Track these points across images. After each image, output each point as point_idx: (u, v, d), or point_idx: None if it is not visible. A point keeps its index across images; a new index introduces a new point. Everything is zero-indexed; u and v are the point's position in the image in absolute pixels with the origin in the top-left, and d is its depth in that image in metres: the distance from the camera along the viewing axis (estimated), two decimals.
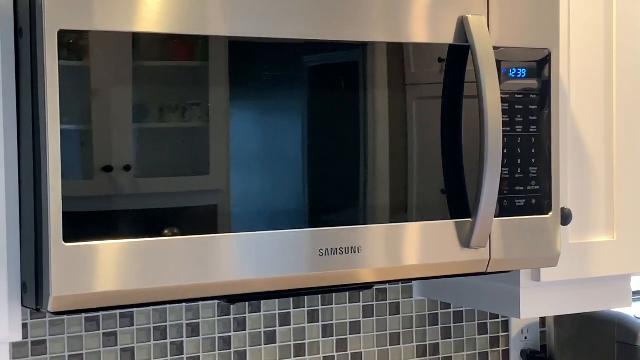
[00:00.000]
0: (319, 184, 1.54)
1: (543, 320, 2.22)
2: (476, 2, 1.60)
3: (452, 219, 1.60)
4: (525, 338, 2.20)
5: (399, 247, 1.56)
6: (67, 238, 1.30)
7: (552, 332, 2.19)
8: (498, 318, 2.18)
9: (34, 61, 1.31)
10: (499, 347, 2.19)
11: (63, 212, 1.29)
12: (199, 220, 1.43)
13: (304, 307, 1.97)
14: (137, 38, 1.35)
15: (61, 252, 1.30)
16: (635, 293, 2.00)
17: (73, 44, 1.30)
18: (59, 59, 1.28)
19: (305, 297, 1.95)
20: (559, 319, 2.16)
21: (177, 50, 1.41)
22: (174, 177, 1.43)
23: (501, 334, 2.19)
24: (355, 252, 1.51)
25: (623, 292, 1.92)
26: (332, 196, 1.55)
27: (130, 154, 1.37)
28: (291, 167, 1.51)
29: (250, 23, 1.42)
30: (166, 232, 1.37)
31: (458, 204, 1.61)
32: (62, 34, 1.28)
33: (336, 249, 1.49)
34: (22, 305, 1.38)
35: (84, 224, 1.32)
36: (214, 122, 1.44)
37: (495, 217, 1.61)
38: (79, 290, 1.31)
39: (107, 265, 1.32)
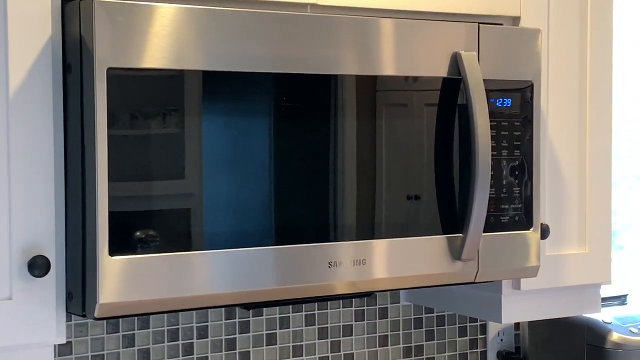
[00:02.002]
0: (328, 200, 1.70)
1: (517, 324, 2.39)
2: (468, 39, 1.78)
3: (444, 234, 1.78)
4: (501, 340, 2.38)
5: (398, 259, 1.73)
6: (112, 251, 1.46)
7: (526, 335, 2.36)
8: (477, 322, 2.35)
9: (82, 96, 1.47)
10: (477, 348, 2.36)
11: (109, 230, 1.45)
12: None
13: (302, 311, 2.14)
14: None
15: (107, 264, 1.46)
16: (603, 300, 2.18)
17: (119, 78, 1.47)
18: (107, 93, 1.44)
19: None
20: (532, 323, 2.33)
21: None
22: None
23: (479, 336, 2.37)
24: (361, 264, 1.68)
25: (593, 299, 2.08)
26: (339, 213, 1.71)
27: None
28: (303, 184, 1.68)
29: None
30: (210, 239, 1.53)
31: (449, 221, 1.78)
32: (111, 71, 1.44)
33: (344, 261, 1.66)
34: (67, 311, 1.54)
35: (126, 240, 1.48)
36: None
37: (483, 232, 1.79)
38: (124, 298, 1.47)
39: (150, 275, 1.48)
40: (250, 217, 1.62)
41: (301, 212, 1.67)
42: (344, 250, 1.66)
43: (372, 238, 1.70)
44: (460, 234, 1.77)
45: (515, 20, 1.94)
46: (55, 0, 1.50)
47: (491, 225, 1.81)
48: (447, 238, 1.77)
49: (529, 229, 1.86)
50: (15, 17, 1.47)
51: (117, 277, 1.46)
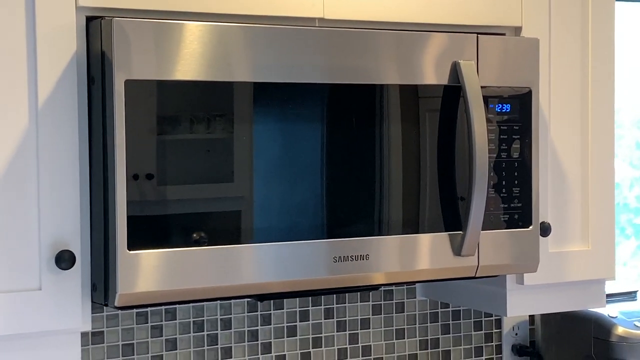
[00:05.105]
0: (335, 199, 1.84)
1: (532, 319, 2.49)
2: (467, 48, 1.90)
3: (446, 231, 1.90)
4: (516, 334, 2.48)
5: (401, 255, 1.85)
6: (130, 247, 1.61)
7: (539, 329, 2.47)
8: (492, 316, 2.46)
9: (104, 105, 1.62)
10: (492, 342, 2.47)
11: (127, 227, 1.60)
12: (228, 229, 1.73)
13: (321, 305, 2.26)
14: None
15: (126, 258, 1.61)
16: (609, 296, 2.27)
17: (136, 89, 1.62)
18: (125, 102, 1.59)
19: (322, 296, 2.25)
20: (545, 318, 2.43)
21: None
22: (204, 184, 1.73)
23: (494, 330, 2.47)
24: (364, 259, 1.81)
25: (597, 294, 2.18)
26: (346, 211, 1.84)
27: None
28: (310, 184, 1.82)
29: (272, 70, 1.72)
30: (214, 236, 1.68)
31: (451, 219, 1.90)
32: (128, 83, 1.59)
33: (348, 256, 1.80)
34: (92, 301, 1.69)
35: (143, 236, 1.63)
36: (238, 153, 1.74)
37: (483, 230, 1.89)
38: (140, 289, 1.62)
39: (163, 269, 1.63)
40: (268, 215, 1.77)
41: (311, 211, 1.81)
42: (347, 245, 1.79)
43: (375, 235, 1.83)
44: (461, 232, 1.89)
45: (517, 30, 2.05)
46: (80, 19, 1.66)
47: (491, 223, 1.92)
48: (448, 235, 1.89)
49: (528, 227, 1.97)
50: (43, 34, 1.63)
51: (135, 270, 1.61)
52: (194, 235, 1.68)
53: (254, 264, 1.71)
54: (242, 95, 1.72)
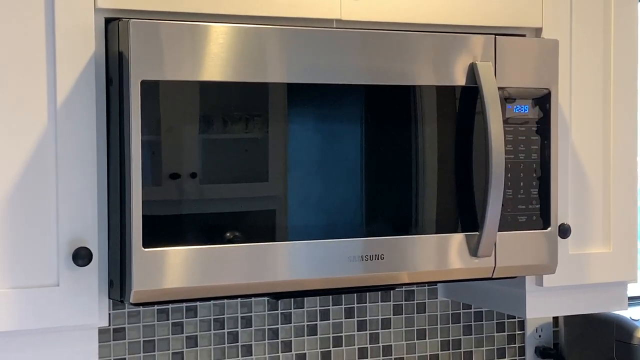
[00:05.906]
0: (355, 199, 1.85)
1: (556, 321, 2.48)
2: (485, 50, 1.90)
3: (462, 232, 1.90)
4: (539, 336, 2.47)
5: (418, 255, 1.86)
6: (145, 244, 1.63)
7: (563, 331, 2.46)
8: (514, 318, 2.46)
9: (121, 105, 1.65)
10: (515, 343, 2.47)
11: (142, 225, 1.63)
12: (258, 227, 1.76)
13: (342, 304, 2.28)
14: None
15: (141, 255, 1.63)
16: (631, 298, 2.26)
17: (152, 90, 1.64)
18: (141, 103, 1.62)
19: (343, 295, 2.26)
20: (568, 320, 2.42)
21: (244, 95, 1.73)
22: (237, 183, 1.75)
23: (517, 332, 2.46)
24: (380, 259, 1.82)
25: (619, 296, 2.17)
26: (365, 211, 1.85)
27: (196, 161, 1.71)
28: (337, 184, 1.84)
29: (306, 71, 1.75)
30: (228, 235, 1.70)
31: (468, 220, 1.91)
32: (144, 84, 1.62)
33: (363, 256, 1.80)
34: (109, 297, 1.72)
35: (158, 234, 1.65)
36: (273, 155, 1.75)
37: (500, 231, 1.89)
38: (155, 286, 1.64)
39: (177, 266, 1.65)
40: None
41: (328, 209, 1.82)
42: (366, 245, 1.80)
43: (394, 235, 1.84)
44: (477, 232, 1.89)
45: (538, 31, 2.05)
46: (98, 20, 1.69)
47: (508, 224, 1.93)
48: (465, 236, 1.90)
49: (546, 228, 1.96)
50: (62, 35, 1.66)
51: (150, 267, 1.64)
52: (222, 234, 1.70)
53: (280, 261, 1.73)
54: (275, 96, 1.74)
